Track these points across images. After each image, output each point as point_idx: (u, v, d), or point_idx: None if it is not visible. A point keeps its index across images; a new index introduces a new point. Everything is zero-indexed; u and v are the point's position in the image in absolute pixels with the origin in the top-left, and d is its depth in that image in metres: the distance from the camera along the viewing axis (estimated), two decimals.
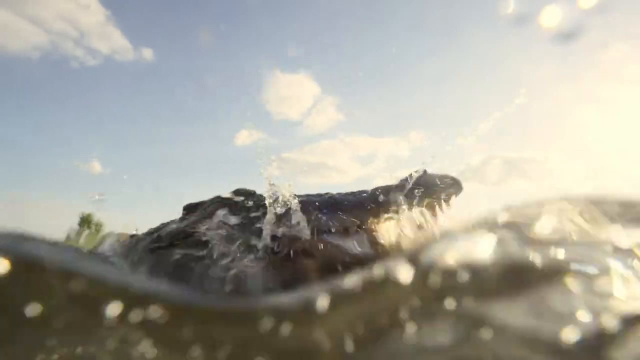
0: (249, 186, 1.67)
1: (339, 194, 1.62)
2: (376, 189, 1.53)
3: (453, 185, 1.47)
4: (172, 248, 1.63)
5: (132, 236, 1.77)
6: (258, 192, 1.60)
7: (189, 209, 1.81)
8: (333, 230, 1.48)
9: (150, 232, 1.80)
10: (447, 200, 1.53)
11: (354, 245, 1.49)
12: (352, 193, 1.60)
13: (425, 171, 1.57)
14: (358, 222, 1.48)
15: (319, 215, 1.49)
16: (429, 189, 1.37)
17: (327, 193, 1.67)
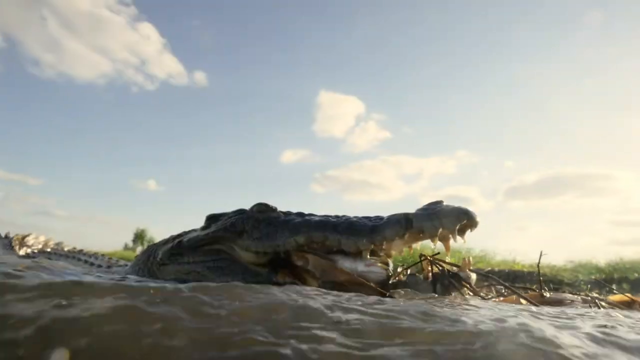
0: (295, 201, 1.81)
1: (355, 217, 1.71)
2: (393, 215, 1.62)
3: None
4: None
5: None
6: (306, 207, 1.76)
7: (212, 219, 1.92)
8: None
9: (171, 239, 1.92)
10: (461, 234, 1.61)
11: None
12: (368, 217, 1.69)
13: (441, 201, 1.66)
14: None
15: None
16: None
17: (344, 215, 1.77)
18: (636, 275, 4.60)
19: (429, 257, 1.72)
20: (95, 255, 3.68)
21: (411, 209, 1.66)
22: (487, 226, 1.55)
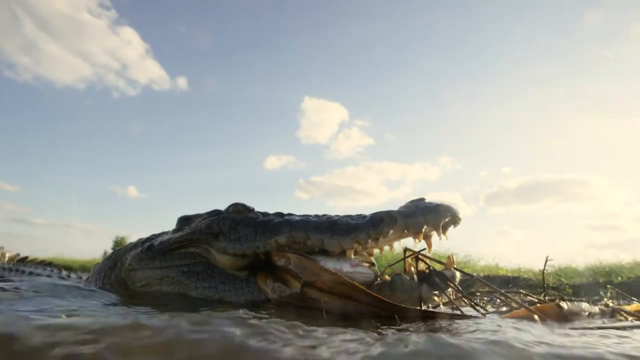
0: (280, 207, 1.73)
1: (337, 216, 1.67)
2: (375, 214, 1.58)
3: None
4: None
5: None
6: (295, 210, 1.68)
7: (184, 220, 1.83)
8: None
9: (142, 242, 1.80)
10: (444, 230, 1.59)
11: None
12: (350, 216, 1.65)
13: (423, 199, 1.64)
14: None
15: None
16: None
17: (324, 215, 1.72)
18: (619, 279, 4.70)
19: (415, 253, 1.67)
20: (43, 265, 2.90)
21: (394, 209, 1.64)
22: (469, 231, 1.53)
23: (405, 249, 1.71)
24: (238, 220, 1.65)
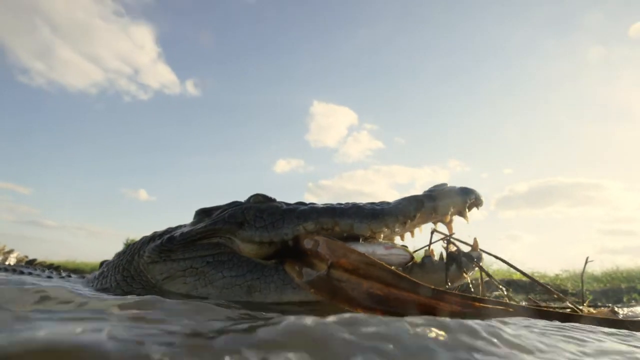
0: None
1: (360, 203, 1.69)
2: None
3: None
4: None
5: None
6: None
7: (203, 213, 1.82)
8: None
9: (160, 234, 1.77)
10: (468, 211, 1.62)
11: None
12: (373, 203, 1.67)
13: (445, 183, 1.69)
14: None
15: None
16: None
17: (347, 202, 1.74)
18: None
19: (443, 235, 1.68)
20: (50, 268, 2.75)
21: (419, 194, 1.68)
22: (480, 235, 1.57)
23: (433, 231, 1.72)
24: (263, 209, 1.66)
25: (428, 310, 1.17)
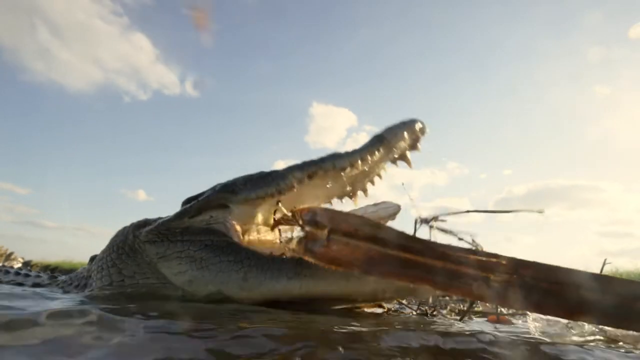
0: None
1: None
2: None
3: None
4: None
5: None
6: None
7: (190, 201, 1.85)
8: None
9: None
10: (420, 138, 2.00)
11: None
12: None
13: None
14: None
15: None
16: None
17: None
18: None
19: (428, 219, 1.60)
20: (47, 270, 2.65)
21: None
22: (477, 237, 1.57)
23: (417, 219, 1.64)
24: (251, 175, 1.79)
25: (432, 271, 1.17)
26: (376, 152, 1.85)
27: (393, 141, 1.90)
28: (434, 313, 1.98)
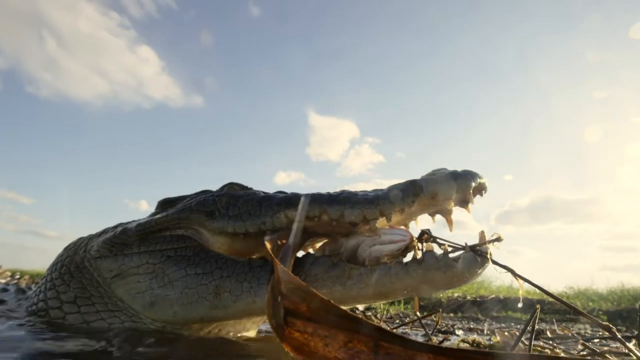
0: None
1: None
2: None
3: None
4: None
5: None
6: None
7: (167, 203, 1.59)
8: None
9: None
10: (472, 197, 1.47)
11: None
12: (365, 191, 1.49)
13: (444, 168, 1.54)
14: None
15: None
16: None
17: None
18: None
19: (432, 236, 1.39)
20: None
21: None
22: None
23: (422, 231, 1.42)
24: (238, 196, 1.44)
25: None
26: (405, 207, 1.37)
27: (429, 195, 1.39)
28: None
